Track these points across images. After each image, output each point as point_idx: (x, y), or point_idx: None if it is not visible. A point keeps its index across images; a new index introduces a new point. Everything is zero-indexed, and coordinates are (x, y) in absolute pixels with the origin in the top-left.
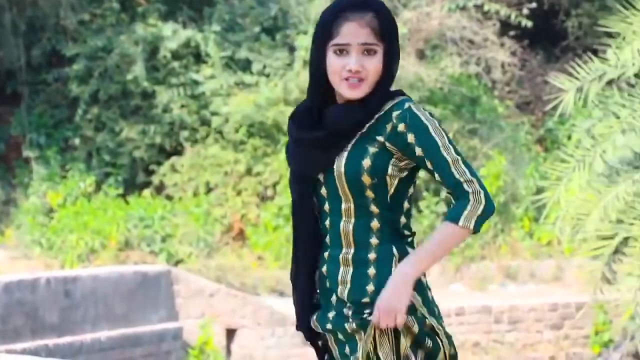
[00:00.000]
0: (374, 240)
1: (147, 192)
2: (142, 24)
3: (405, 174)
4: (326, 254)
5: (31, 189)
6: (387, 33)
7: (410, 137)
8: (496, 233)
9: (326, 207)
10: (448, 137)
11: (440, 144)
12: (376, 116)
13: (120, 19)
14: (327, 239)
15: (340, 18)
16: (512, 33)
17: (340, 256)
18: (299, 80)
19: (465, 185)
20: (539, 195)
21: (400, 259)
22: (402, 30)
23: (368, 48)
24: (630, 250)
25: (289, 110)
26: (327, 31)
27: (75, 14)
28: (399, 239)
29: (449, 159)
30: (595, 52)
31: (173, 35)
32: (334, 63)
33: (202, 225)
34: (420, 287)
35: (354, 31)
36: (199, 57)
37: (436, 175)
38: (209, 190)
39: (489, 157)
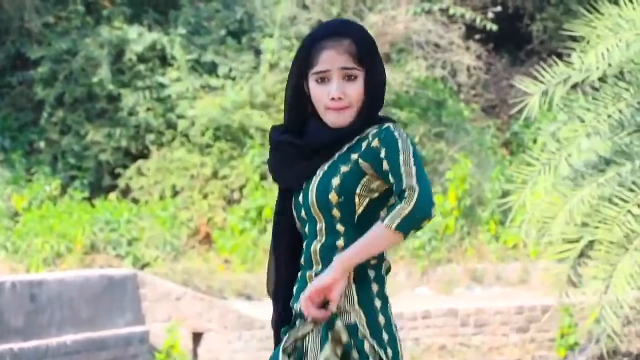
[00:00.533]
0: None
1: (113, 196)
2: (107, 27)
3: (376, 195)
4: (299, 274)
5: None
6: (366, 57)
7: (382, 152)
8: (462, 236)
9: (306, 229)
10: (415, 153)
11: (402, 158)
12: (357, 137)
13: (85, 22)
14: (302, 260)
15: (318, 47)
16: (477, 37)
17: (307, 274)
18: (265, 84)
19: (405, 192)
20: (504, 199)
21: (355, 279)
22: None
23: (348, 73)
24: (596, 253)
25: (255, 113)
26: (306, 60)
27: (40, 16)
28: (368, 264)
29: (404, 169)
30: (560, 56)
31: (138, 38)
32: (316, 92)
33: (169, 228)
34: (369, 306)
35: (332, 58)
36: (164, 60)
37: (394, 187)
38: (175, 193)
39: (455, 160)
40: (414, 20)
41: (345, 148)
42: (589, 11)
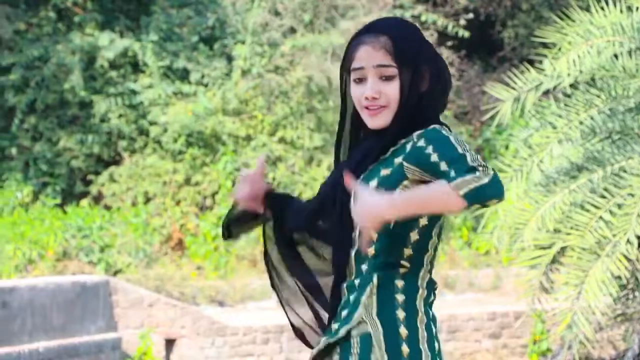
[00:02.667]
0: (364, 267)
1: (85, 202)
2: (79, 34)
3: None
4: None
5: None
6: (403, 55)
7: (430, 148)
8: None
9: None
10: (469, 148)
11: (459, 148)
12: (402, 141)
13: (56, 29)
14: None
15: (356, 43)
16: (449, 43)
17: (342, 286)
18: (238, 90)
19: (478, 167)
20: None
21: (378, 288)
22: (340, 40)
23: (384, 72)
24: (568, 259)
25: (227, 120)
26: (346, 58)
27: (11, 23)
28: (389, 268)
29: (468, 155)
30: (531, 63)
31: (110, 44)
32: (353, 92)
33: (141, 235)
34: (388, 318)
35: (368, 54)
36: (136, 67)
37: (452, 171)
38: (147, 200)
39: None
40: None
41: (389, 152)
42: (560, 18)
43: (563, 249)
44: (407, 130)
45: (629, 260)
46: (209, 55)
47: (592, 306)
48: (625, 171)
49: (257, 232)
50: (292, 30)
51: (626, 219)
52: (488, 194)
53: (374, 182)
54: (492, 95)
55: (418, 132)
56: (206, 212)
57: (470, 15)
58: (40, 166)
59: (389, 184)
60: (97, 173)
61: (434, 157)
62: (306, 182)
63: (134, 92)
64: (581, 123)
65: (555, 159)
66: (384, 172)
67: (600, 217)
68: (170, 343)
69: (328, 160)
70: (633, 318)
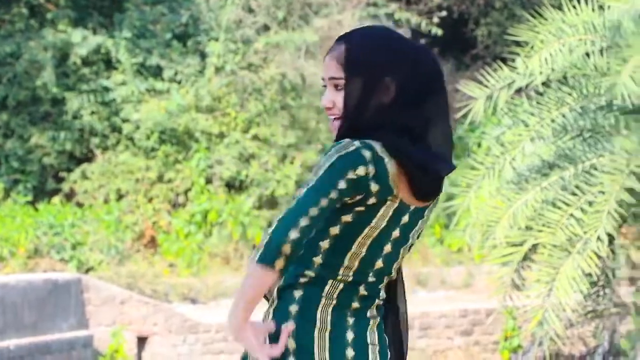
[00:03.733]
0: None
1: (56, 199)
2: (51, 30)
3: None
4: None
5: None
6: (354, 65)
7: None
8: None
9: None
10: (327, 171)
11: (317, 174)
12: None
13: (29, 25)
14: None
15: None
16: (422, 41)
17: None
18: (211, 87)
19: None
20: (449, 202)
21: (278, 299)
22: (313, 37)
23: (336, 83)
24: (539, 257)
25: (201, 117)
26: None
27: None
28: (292, 279)
29: (298, 193)
30: (504, 61)
31: (83, 41)
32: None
33: (113, 232)
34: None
35: (326, 65)
36: (109, 64)
37: None
38: (120, 197)
39: None
40: (360, 24)
41: None
42: (533, 16)
43: (534, 246)
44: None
45: (599, 257)
46: (182, 52)
47: (562, 303)
48: (596, 169)
49: (230, 229)
50: (266, 28)
51: (597, 216)
52: (269, 244)
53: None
54: (465, 93)
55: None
56: (179, 210)
57: (444, 13)
58: (11, 163)
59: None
60: (69, 170)
61: None
62: (279, 179)
63: (106, 89)
64: (553, 121)
65: (527, 157)
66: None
67: (572, 215)
68: (142, 340)
69: (301, 158)
70: (603, 315)
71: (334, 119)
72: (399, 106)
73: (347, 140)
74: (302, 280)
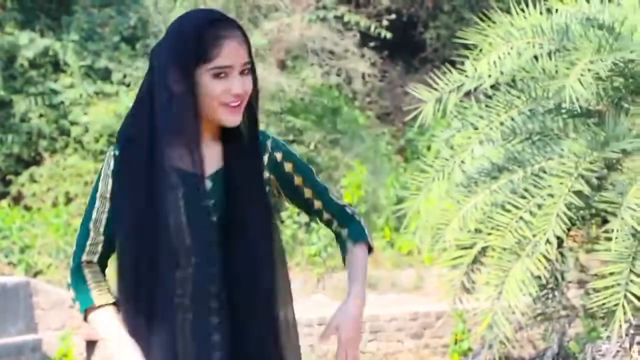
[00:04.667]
0: None
1: (4, 203)
2: None
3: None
4: None
5: None
6: (251, 50)
7: (288, 166)
8: None
9: None
10: None
11: (313, 171)
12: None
13: None
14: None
15: (216, 37)
16: (372, 44)
17: None
18: None
19: (347, 209)
20: (399, 205)
21: None
22: (262, 40)
23: (246, 68)
24: (488, 260)
25: None
26: (201, 52)
27: None
28: None
29: (325, 186)
30: (453, 64)
31: (30, 43)
32: (213, 87)
33: (62, 235)
34: None
35: (236, 51)
36: (57, 66)
37: (316, 202)
38: (68, 200)
39: (350, 167)
40: (309, 27)
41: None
42: (481, 19)
43: (484, 249)
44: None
45: (548, 260)
46: (131, 55)
47: (512, 306)
48: (545, 172)
49: None
50: None
51: (546, 219)
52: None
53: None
54: (414, 96)
55: (268, 140)
56: None
57: (393, 16)
58: None
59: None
60: (17, 173)
61: (298, 180)
62: None
63: (54, 92)
64: (502, 124)
65: (477, 160)
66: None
67: (521, 218)
68: (91, 344)
69: None
70: (552, 317)
71: (236, 105)
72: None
73: (265, 130)
74: None
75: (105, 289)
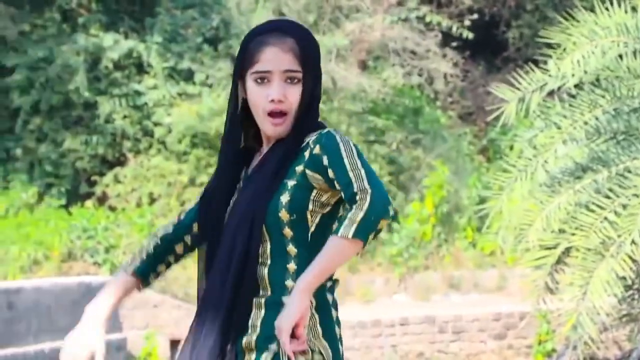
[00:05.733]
0: (289, 283)
1: (89, 203)
2: (83, 35)
3: (328, 209)
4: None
5: None
6: (308, 60)
7: (325, 160)
8: (440, 243)
9: None
10: (359, 155)
11: (347, 162)
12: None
13: (61, 30)
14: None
15: (259, 42)
16: (454, 44)
17: (255, 300)
18: None
19: (357, 195)
20: (481, 205)
21: (317, 308)
22: (344, 41)
23: (291, 76)
24: (572, 260)
25: None
26: (246, 58)
27: (16, 24)
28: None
29: (352, 174)
30: (536, 63)
31: (115, 45)
32: (255, 93)
33: (146, 235)
34: (332, 338)
35: (276, 57)
36: (141, 68)
37: (342, 194)
38: (152, 200)
39: (432, 167)
40: (391, 28)
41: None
42: (565, 18)
43: (568, 249)
44: (303, 135)
45: (633, 260)
46: (214, 56)
47: (597, 306)
48: (630, 171)
49: None
50: None
51: (631, 219)
52: (372, 221)
53: (285, 196)
54: (496, 95)
55: (313, 137)
56: None
57: (475, 16)
58: (45, 167)
59: (301, 197)
60: (102, 174)
61: (330, 174)
62: None
63: (138, 93)
64: (586, 123)
65: (560, 160)
66: (291, 183)
67: (605, 218)
68: (175, 344)
69: None
70: (638, 318)
71: (279, 112)
72: (319, 99)
73: (329, 129)
74: (329, 284)
75: (136, 260)
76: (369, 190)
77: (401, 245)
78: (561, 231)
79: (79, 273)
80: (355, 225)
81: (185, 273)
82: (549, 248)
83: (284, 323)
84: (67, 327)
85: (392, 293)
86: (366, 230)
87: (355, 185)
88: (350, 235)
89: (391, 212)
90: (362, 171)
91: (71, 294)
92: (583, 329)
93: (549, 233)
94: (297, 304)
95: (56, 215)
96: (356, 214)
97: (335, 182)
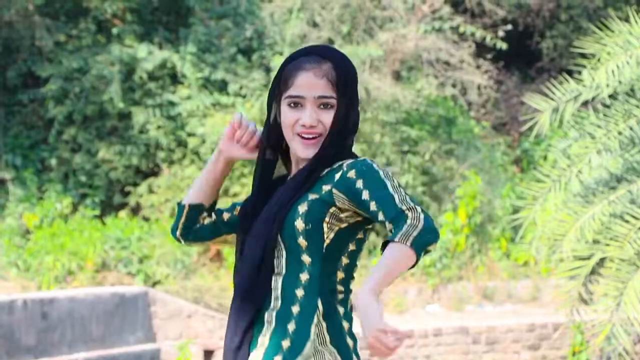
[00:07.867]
0: (299, 292)
1: (123, 214)
2: (118, 45)
3: (345, 225)
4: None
5: (7, 211)
6: (345, 86)
7: (359, 183)
8: (473, 253)
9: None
10: (399, 182)
11: (389, 184)
12: (326, 170)
13: (96, 40)
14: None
15: (295, 67)
16: (487, 55)
17: (266, 313)
18: None
19: (406, 212)
20: (515, 216)
21: (325, 315)
22: (377, 51)
23: (324, 102)
24: (606, 271)
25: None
26: (281, 81)
27: (51, 35)
28: (327, 293)
29: (396, 196)
30: (570, 73)
31: (149, 56)
32: (287, 116)
33: (179, 246)
34: (343, 345)
35: (310, 82)
36: (175, 78)
37: (380, 214)
38: None
39: (465, 177)
40: (425, 38)
41: (313, 180)
42: (599, 28)
43: (602, 260)
44: (334, 158)
45: None
46: (247, 67)
47: (631, 318)
48: None
49: None
50: (330, 42)
51: None
52: (427, 239)
53: (303, 207)
54: (530, 106)
55: (348, 161)
56: None
57: (509, 27)
58: (79, 177)
59: (318, 208)
60: (136, 184)
61: (365, 195)
62: None
63: (172, 104)
64: (620, 133)
65: (594, 170)
66: (312, 196)
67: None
68: (208, 354)
69: None
70: None
71: (312, 137)
72: (357, 124)
73: (365, 157)
74: (340, 296)
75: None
76: (420, 211)
77: (434, 256)
78: (595, 242)
79: (112, 283)
80: (413, 236)
81: (219, 284)
82: (583, 259)
83: (373, 331)
84: (100, 337)
85: (425, 303)
86: (421, 246)
87: (402, 205)
88: (409, 243)
89: (438, 239)
90: (407, 197)
91: (105, 304)
92: (617, 340)
93: (583, 243)
94: (371, 312)
95: (90, 225)
96: (414, 227)
97: (371, 204)
